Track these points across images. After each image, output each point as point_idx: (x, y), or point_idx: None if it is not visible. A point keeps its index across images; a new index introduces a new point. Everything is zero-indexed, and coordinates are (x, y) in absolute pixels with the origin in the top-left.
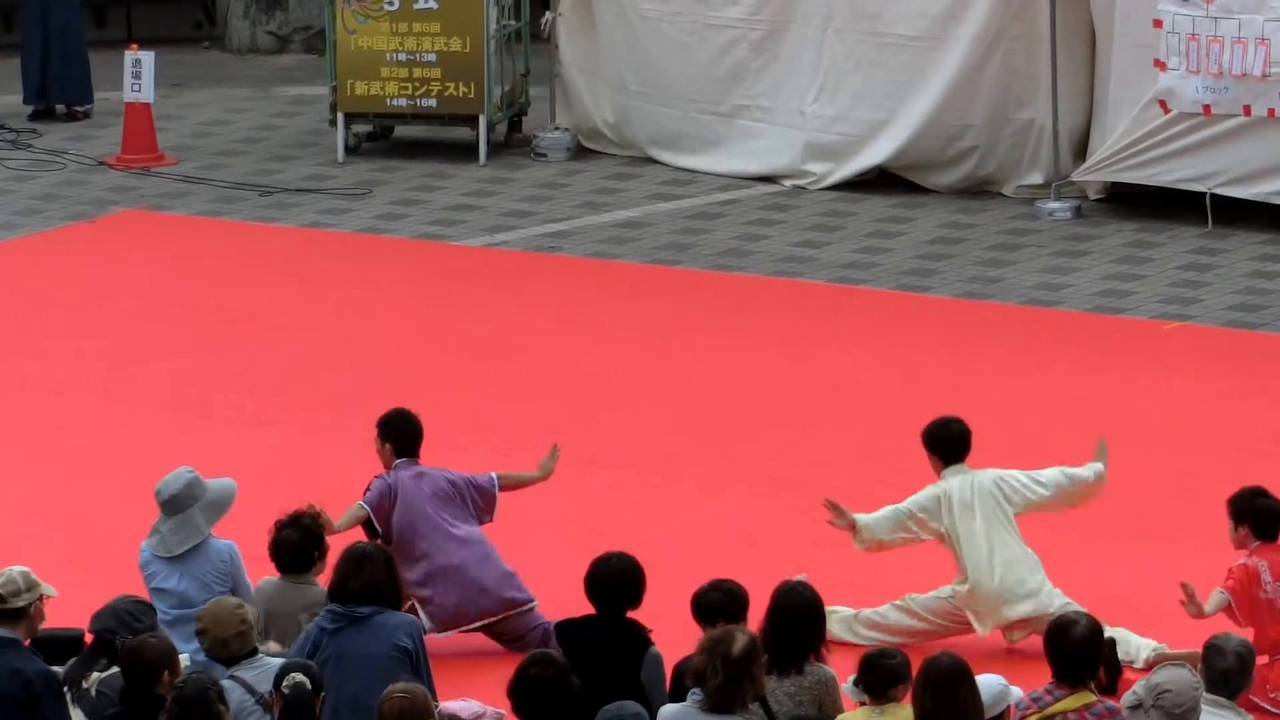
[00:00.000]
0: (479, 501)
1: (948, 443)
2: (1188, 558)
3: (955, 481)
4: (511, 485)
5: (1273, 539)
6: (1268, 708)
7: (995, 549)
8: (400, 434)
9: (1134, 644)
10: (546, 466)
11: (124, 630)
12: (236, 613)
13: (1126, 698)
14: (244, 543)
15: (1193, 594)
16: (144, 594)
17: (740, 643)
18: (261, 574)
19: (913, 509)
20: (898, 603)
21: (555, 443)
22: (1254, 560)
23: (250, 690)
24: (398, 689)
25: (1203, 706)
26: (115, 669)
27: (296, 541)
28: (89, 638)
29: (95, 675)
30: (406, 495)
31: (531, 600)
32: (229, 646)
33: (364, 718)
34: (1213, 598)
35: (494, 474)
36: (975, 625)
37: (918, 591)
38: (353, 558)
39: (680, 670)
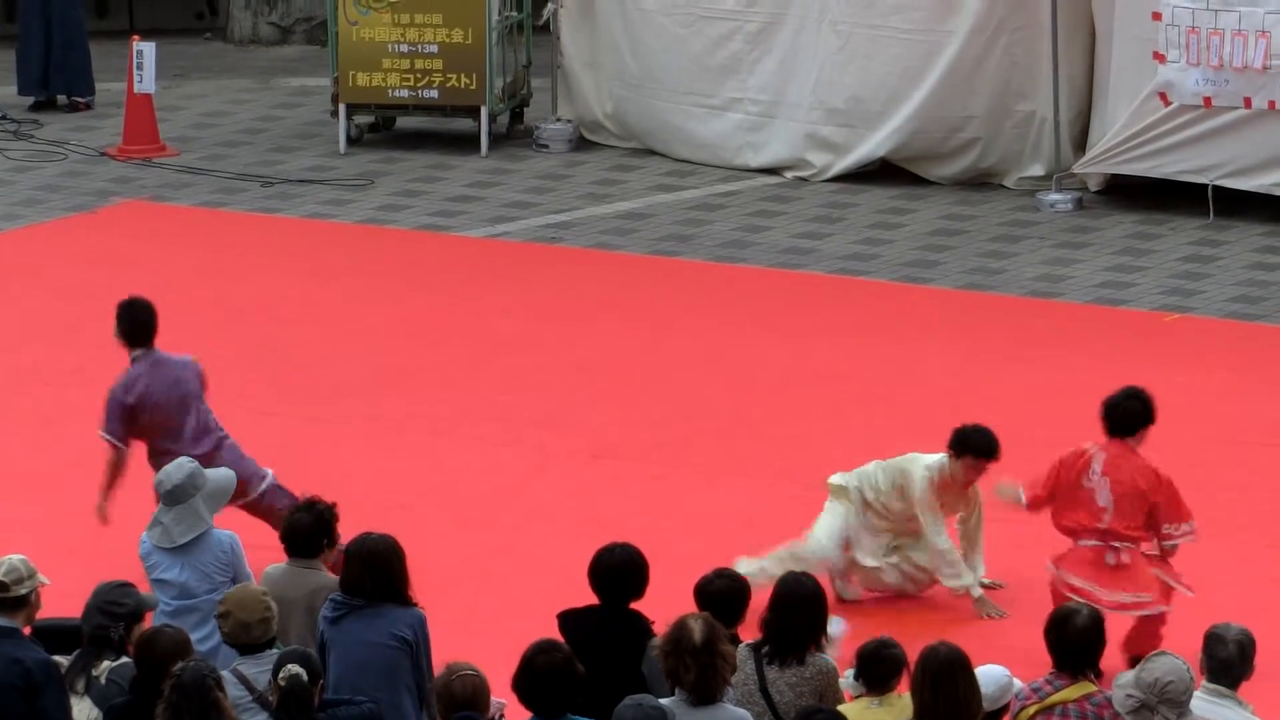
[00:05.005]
0: None
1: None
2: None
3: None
4: None
5: (1126, 435)
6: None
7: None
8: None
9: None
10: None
11: (110, 619)
12: (263, 599)
13: (1126, 703)
14: (244, 533)
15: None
16: (145, 585)
17: (698, 630)
18: (263, 564)
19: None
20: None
21: None
22: (1092, 447)
23: (249, 687)
24: (463, 667)
25: (1203, 696)
26: (126, 659)
27: (308, 525)
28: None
29: (106, 664)
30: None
31: None
32: (250, 632)
33: None
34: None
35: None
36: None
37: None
38: (361, 552)
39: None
